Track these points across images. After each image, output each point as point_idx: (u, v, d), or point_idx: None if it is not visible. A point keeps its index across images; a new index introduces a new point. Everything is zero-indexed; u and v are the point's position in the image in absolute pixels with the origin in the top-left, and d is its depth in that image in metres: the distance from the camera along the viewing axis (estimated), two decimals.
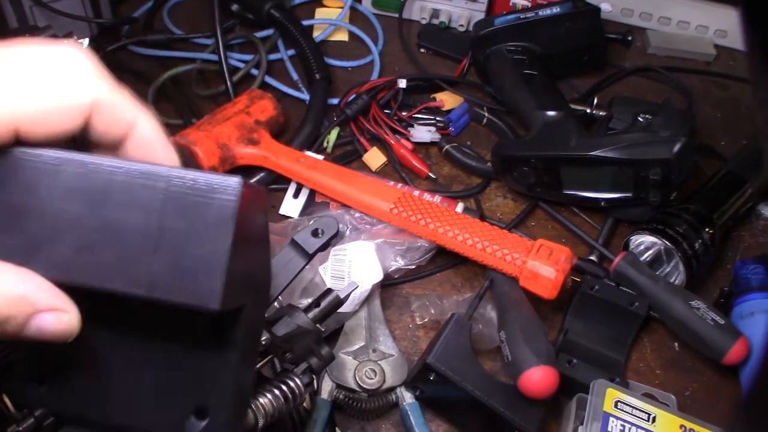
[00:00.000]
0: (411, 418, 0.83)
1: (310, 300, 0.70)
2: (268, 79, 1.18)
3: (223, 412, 0.41)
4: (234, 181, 0.35)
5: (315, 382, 0.78)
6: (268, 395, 0.58)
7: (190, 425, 0.39)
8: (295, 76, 1.20)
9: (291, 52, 1.22)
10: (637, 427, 0.78)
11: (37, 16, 1.12)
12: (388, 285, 0.95)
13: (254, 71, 1.17)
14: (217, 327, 0.41)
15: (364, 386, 0.83)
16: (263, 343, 0.60)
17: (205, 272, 0.34)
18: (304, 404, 0.82)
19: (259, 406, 0.57)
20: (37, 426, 0.58)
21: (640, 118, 1.00)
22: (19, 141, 0.35)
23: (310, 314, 0.67)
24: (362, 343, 0.87)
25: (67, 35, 0.97)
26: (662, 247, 0.94)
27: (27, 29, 1.10)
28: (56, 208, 0.35)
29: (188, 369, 0.40)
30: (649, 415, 0.79)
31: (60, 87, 0.35)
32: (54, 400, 0.39)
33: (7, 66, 0.34)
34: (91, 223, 0.35)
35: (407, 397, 0.84)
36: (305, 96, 1.16)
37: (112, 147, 0.39)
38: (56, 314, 0.36)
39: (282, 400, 0.59)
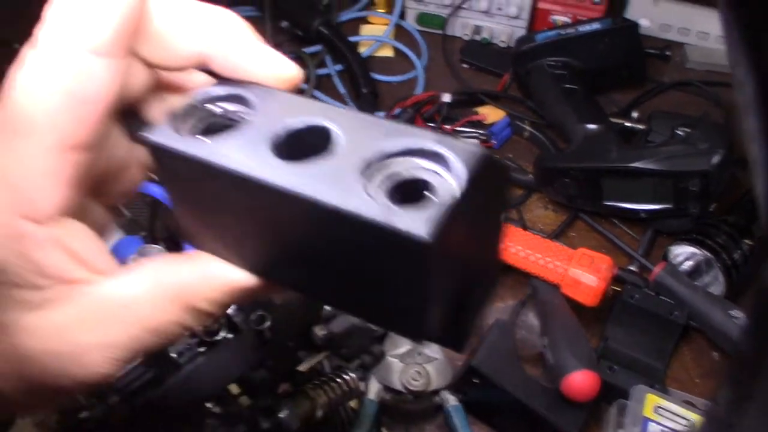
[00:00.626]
0: (455, 420, 0.86)
1: None
2: (317, 93, 1.23)
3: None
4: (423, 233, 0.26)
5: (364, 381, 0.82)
6: (326, 388, 0.62)
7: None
8: (342, 90, 1.25)
9: (338, 67, 1.26)
10: None
11: None
12: None
13: (303, 85, 1.22)
14: None
15: (410, 388, 0.86)
16: (321, 338, 0.63)
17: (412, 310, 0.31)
18: (352, 404, 0.86)
19: (318, 398, 0.61)
20: (107, 412, 0.62)
21: (678, 132, 1.02)
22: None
23: None
24: (408, 347, 0.90)
25: None
26: (702, 258, 0.95)
27: None
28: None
29: None
30: (689, 421, 0.81)
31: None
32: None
33: None
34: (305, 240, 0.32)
35: (451, 400, 0.87)
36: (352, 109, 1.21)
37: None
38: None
39: (338, 393, 0.63)
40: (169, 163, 0.32)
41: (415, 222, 0.26)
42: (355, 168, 0.29)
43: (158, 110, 0.37)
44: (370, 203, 0.27)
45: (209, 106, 0.33)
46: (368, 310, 0.35)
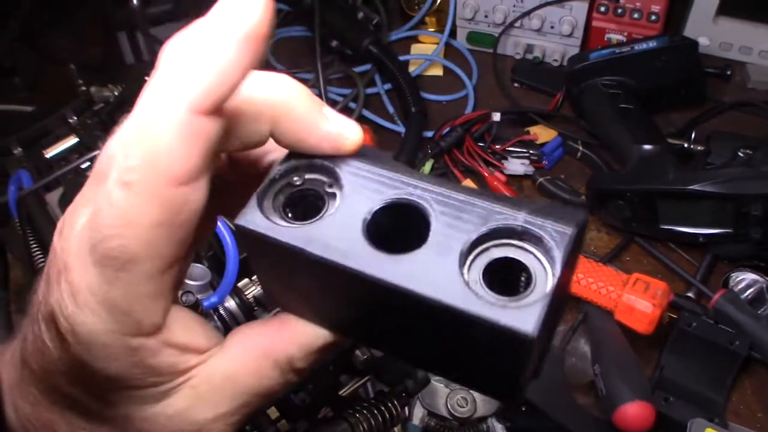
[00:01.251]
0: None
1: None
2: (365, 112, 1.22)
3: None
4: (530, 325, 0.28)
5: (407, 406, 0.80)
6: (366, 414, 0.60)
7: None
8: (391, 109, 1.24)
9: (387, 86, 1.26)
10: None
11: (151, 51, 1.20)
12: None
13: (352, 104, 1.22)
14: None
15: (456, 414, 0.84)
16: (362, 361, 0.62)
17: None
18: (396, 430, 0.84)
19: (359, 424, 0.59)
20: None
21: (740, 153, 0.98)
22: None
23: None
24: None
25: None
26: (764, 285, 0.91)
27: (142, 66, 1.18)
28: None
29: None
30: None
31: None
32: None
33: None
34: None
35: (498, 428, 0.85)
36: (401, 129, 1.20)
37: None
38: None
39: (379, 419, 0.61)
40: (258, 245, 0.33)
41: (519, 319, 0.28)
42: (452, 256, 0.30)
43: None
44: (471, 298, 0.28)
45: (290, 177, 0.34)
46: (455, 376, 0.37)
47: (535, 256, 0.30)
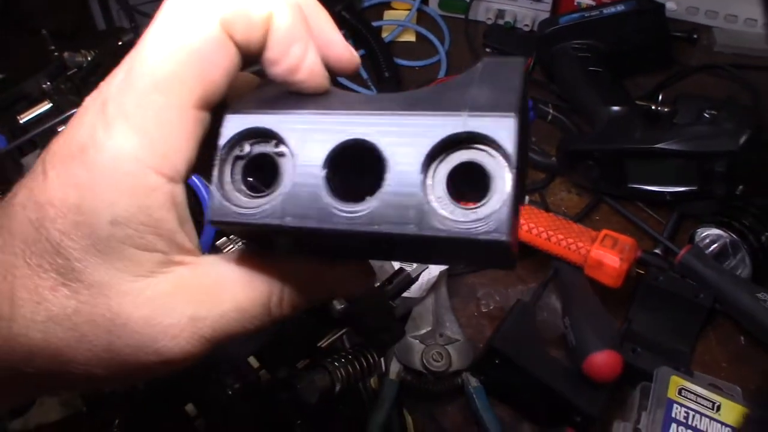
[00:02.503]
0: (476, 401, 0.86)
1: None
2: (339, 78, 1.23)
3: None
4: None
5: (383, 359, 0.82)
6: (345, 362, 0.62)
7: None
8: (365, 75, 1.25)
9: (361, 52, 1.26)
10: (702, 414, 0.79)
11: (123, 18, 1.20)
12: (455, 275, 0.98)
13: None
14: None
15: (431, 369, 0.86)
16: (339, 311, 0.63)
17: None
18: (373, 384, 0.86)
19: (336, 371, 0.61)
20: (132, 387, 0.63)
21: (705, 114, 1.01)
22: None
23: (383, 291, 0.70)
24: (429, 328, 0.90)
25: None
26: (728, 240, 0.94)
27: (114, 31, 1.17)
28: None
29: None
30: (714, 403, 0.80)
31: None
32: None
33: None
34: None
35: (473, 381, 0.87)
36: (374, 94, 1.21)
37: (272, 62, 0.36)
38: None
39: (357, 367, 0.63)
40: (235, 228, 0.35)
41: (491, 229, 0.29)
42: (413, 183, 0.31)
43: None
44: (443, 221, 0.30)
45: (235, 151, 0.34)
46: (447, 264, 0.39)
47: (488, 153, 0.31)
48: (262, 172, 0.34)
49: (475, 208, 0.30)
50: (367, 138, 0.32)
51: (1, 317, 0.33)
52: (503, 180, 0.30)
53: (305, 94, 0.36)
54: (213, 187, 0.34)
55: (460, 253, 0.35)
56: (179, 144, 0.33)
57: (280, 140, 0.33)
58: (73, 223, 0.32)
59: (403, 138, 0.31)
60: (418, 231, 0.30)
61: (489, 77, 0.33)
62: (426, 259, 0.40)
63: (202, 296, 0.34)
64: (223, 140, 0.34)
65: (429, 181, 0.31)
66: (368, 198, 0.31)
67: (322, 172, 0.32)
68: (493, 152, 0.30)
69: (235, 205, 0.33)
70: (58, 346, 0.33)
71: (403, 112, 0.32)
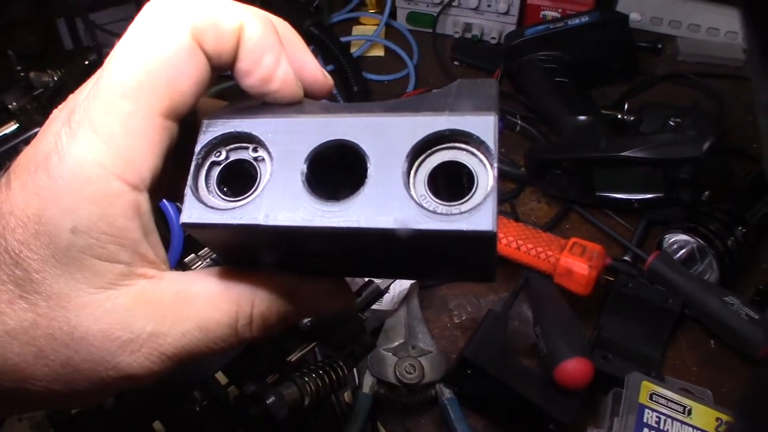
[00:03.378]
0: (450, 412, 0.86)
1: None
2: None
3: None
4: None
5: (356, 373, 0.82)
6: (314, 376, 0.62)
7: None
8: (334, 90, 1.25)
9: (330, 67, 1.27)
10: (673, 419, 0.79)
11: (90, 38, 1.19)
12: (427, 286, 0.98)
13: None
14: None
15: (404, 381, 0.86)
16: (306, 325, 0.63)
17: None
18: (346, 398, 0.86)
19: (305, 385, 0.61)
20: (98, 405, 0.62)
21: (670, 122, 1.02)
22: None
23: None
24: (401, 340, 0.90)
25: None
26: (695, 245, 0.95)
27: (81, 51, 1.17)
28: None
29: None
30: (685, 407, 0.80)
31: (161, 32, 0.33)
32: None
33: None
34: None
35: (446, 393, 0.87)
36: None
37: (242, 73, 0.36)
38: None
39: (327, 381, 0.62)
40: (210, 233, 0.34)
41: (476, 222, 0.29)
42: (395, 182, 0.31)
43: None
44: (427, 217, 0.30)
45: (212, 156, 0.34)
46: (426, 278, 0.39)
47: (469, 151, 0.31)
48: (239, 182, 0.33)
49: (459, 204, 0.30)
50: (348, 138, 0.32)
51: None
52: (486, 175, 0.30)
53: (281, 104, 0.36)
54: (187, 190, 0.33)
55: (441, 256, 0.34)
56: (145, 151, 0.32)
57: (258, 144, 0.33)
58: (33, 232, 0.31)
59: (385, 137, 0.31)
60: (400, 226, 0.30)
61: (465, 91, 0.34)
62: (404, 270, 0.39)
63: (164, 312, 0.33)
64: (199, 145, 0.34)
65: (411, 180, 0.31)
66: (350, 197, 0.31)
67: (303, 173, 0.32)
68: (474, 150, 0.31)
69: (210, 208, 0.32)
70: (15, 362, 0.32)
71: (383, 114, 0.32)
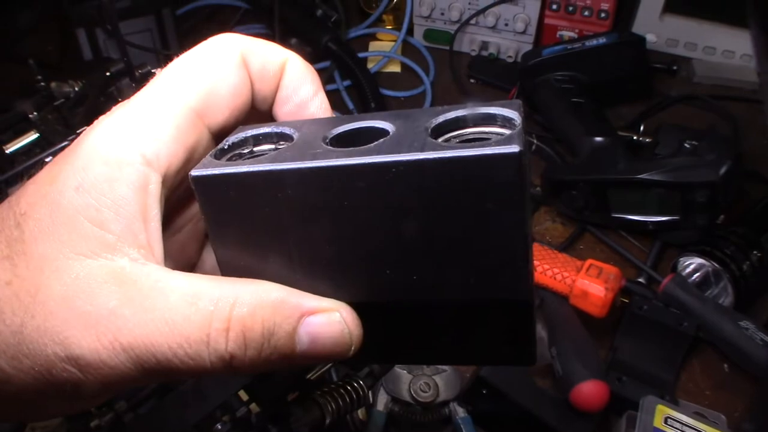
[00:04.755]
0: (464, 431, 0.86)
1: None
2: None
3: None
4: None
5: (371, 391, 0.82)
6: (335, 395, 0.62)
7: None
8: (350, 105, 1.26)
9: (347, 83, 1.28)
10: None
11: (111, 48, 1.20)
12: None
13: None
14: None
15: (419, 399, 0.86)
16: None
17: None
18: (360, 415, 0.86)
19: (327, 404, 0.61)
20: (117, 419, 0.63)
21: (686, 144, 1.02)
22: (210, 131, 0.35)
23: None
24: None
25: (141, 65, 1.03)
26: (710, 269, 0.95)
27: (101, 61, 1.18)
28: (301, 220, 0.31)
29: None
30: None
31: (214, 62, 0.35)
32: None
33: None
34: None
35: (460, 412, 0.87)
36: None
37: (278, 102, 0.37)
38: (326, 315, 0.31)
39: (347, 400, 0.63)
40: (220, 196, 0.31)
41: (502, 144, 0.27)
42: (418, 132, 0.29)
43: None
44: (451, 149, 0.27)
45: (239, 149, 0.34)
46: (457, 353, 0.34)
47: (494, 132, 0.30)
48: None
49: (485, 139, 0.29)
50: (377, 125, 0.32)
51: None
52: (513, 128, 0.29)
53: None
54: (206, 155, 0.33)
55: (466, 213, 0.29)
56: (168, 134, 0.32)
57: (283, 138, 0.34)
58: (42, 194, 0.31)
59: (411, 122, 0.31)
60: (423, 155, 0.27)
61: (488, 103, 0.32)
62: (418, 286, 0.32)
63: (134, 294, 0.30)
64: (230, 138, 0.34)
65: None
66: (372, 143, 0.30)
67: (326, 139, 0.32)
68: (499, 129, 0.30)
69: (225, 164, 0.32)
70: None
71: (409, 111, 0.32)
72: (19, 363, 0.30)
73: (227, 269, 0.34)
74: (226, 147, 0.34)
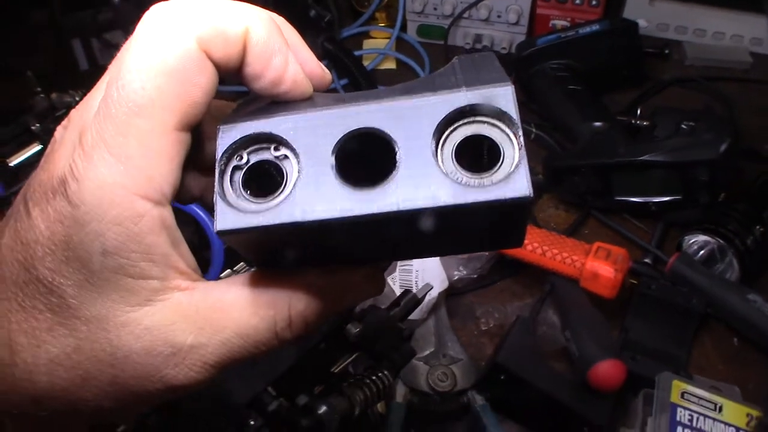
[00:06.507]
0: (484, 419, 0.86)
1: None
2: None
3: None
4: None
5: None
6: (362, 386, 0.63)
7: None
8: (332, 83, 1.26)
9: (344, 81, 1.28)
10: (705, 416, 0.81)
11: (106, 57, 1.20)
12: (453, 295, 1.00)
13: None
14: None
15: (437, 389, 0.87)
16: (354, 335, 0.64)
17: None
18: (380, 409, 0.86)
19: (354, 395, 0.62)
20: (143, 423, 0.63)
21: (683, 126, 1.04)
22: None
23: (392, 313, 0.72)
24: (432, 349, 0.91)
25: None
26: (715, 245, 0.97)
27: (97, 70, 1.18)
28: None
29: None
30: (716, 405, 0.82)
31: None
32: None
33: None
34: None
35: (478, 399, 0.88)
36: None
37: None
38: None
39: (374, 390, 0.64)
40: (246, 239, 0.34)
41: (514, 189, 0.29)
42: (425, 162, 0.31)
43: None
44: (462, 189, 0.30)
45: (233, 161, 0.33)
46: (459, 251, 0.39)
47: (491, 123, 0.31)
48: (262, 182, 0.33)
49: (489, 175, 0.30)
50: (373, 125, 0.32)
51: (2, 364, 0.32)
52: (510, 145, 0.31)
53: (292, 101, 0.35)
54: (216, 198, 0.33)
55: (472, 228, 0.34)
56: (163, 168, 0.32)
57: (280, 142, 0.33)
58: (63, 259, 0.31)
59: (408, 120, 0.32)
60: (440, 204, 0.30)
61: (469, 67, 0.34)
62: (433, 247, 0.39)
63: (202, 322, 0.34)
64: (220, 150, 0.33)
65: (439, 158, 0.31)
66: (384, 181, 0.31)
67: (332, 166, 0.32)
68: (496, 122, 0.31)
69: (243, 212, 0.32)
70: (63, 386, 0.33)
71: (401, 98, 0.32)
72: (123, 401, 0.34)
73: (260, 264, 0.38)
74: (222, 166, 0.33)
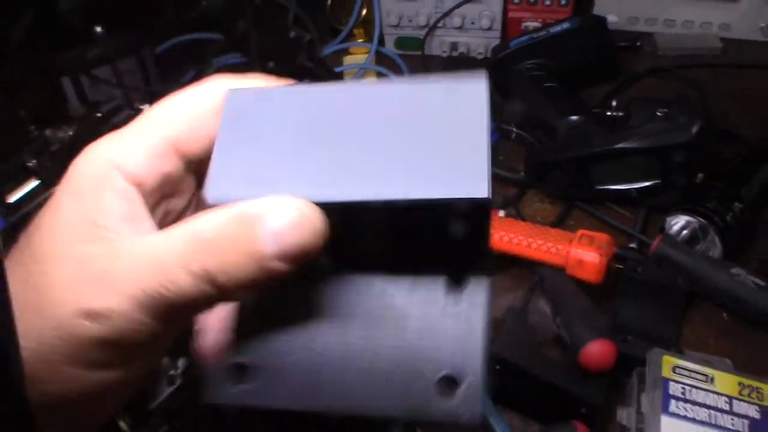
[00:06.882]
0: (486, 411, 0.88)
1: None
2: None
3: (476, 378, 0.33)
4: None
5: None
6: None
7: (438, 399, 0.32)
8: None
9: None
10: (697, 388, 0.83)
11: (95, 92, 1.24)
12: None
13: None
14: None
15: None
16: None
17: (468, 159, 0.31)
18: None
19: None
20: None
21: (658, 113, 1.07)
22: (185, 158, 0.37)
23: None
24: None
25: (129, 103, 1.08)
26: (697, 225, 0.99)
27: (90, 105, 1.21)
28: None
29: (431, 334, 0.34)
30: (707, 376, 0.84)
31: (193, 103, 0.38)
32: (260, 395, 0.33)
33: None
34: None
35: None
36: None
37: None
38: (281, 211, 0.32)
39: None
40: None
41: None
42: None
43: None
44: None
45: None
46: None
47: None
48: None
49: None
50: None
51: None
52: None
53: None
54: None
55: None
56: (143, 155, 0.36)
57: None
58: (45, 207, 0.35)
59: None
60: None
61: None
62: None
63: (124, 253, 0.33)
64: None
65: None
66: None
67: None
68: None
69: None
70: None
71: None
72: (42, 338, 0.32)
73: None
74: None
